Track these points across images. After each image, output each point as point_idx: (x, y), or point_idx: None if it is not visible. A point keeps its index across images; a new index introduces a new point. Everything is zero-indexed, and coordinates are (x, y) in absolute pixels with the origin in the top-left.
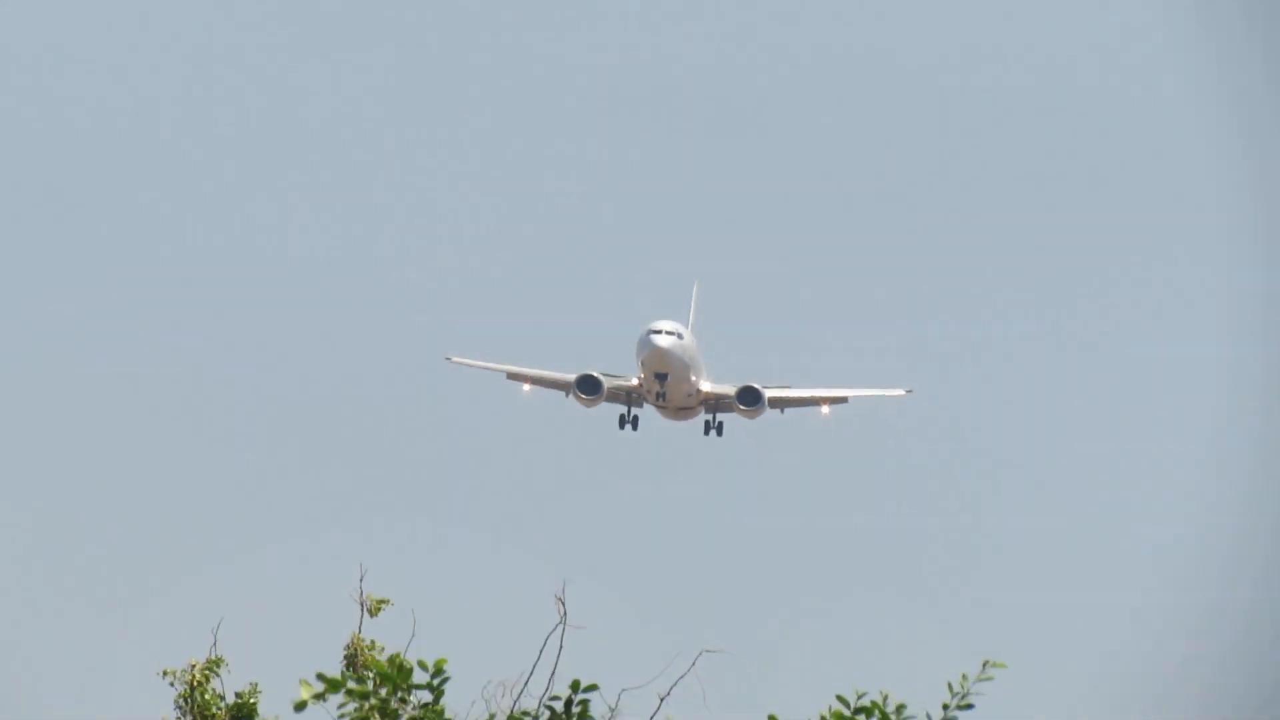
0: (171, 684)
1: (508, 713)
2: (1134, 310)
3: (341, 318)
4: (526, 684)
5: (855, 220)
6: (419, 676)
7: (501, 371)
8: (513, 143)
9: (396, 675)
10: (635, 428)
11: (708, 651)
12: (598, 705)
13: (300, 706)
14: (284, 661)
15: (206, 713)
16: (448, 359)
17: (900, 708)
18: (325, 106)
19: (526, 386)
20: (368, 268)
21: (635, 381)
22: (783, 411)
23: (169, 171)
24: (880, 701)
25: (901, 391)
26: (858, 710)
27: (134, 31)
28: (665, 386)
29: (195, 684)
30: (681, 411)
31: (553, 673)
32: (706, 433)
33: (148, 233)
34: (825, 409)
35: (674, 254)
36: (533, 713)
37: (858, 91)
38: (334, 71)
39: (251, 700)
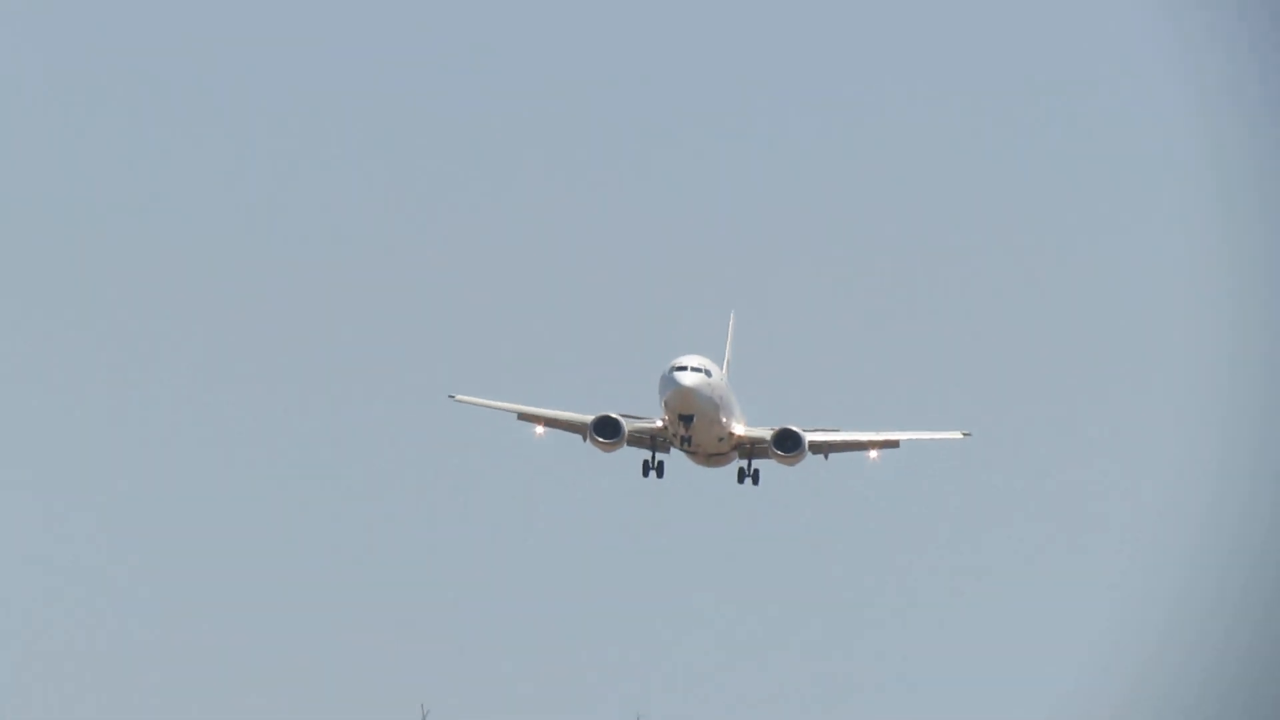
0: None
1: None
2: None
3: (337, 350)
4: None
5: (900, 256)
6: None
7: (512, 412)
8: (529, 170)
9: None
10: (661, 475)
11: None
12: None
13: None
14: None
15: None
16: (452, 397)
17: None
18: (333, 136)
19: (539, 429)
20: (368, 296)
21: (659, 424)
22: (826, 457)
23: (161, 214)
24: None
25: (959, 434)
26: None
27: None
28: (691, 429)
29: None
30: (713, 458)
31: None
32: (741, 481)
33: (150, 264)
34: (874, 454)
35: (708, 287)
36: None
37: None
38: (351, 100)
39: None
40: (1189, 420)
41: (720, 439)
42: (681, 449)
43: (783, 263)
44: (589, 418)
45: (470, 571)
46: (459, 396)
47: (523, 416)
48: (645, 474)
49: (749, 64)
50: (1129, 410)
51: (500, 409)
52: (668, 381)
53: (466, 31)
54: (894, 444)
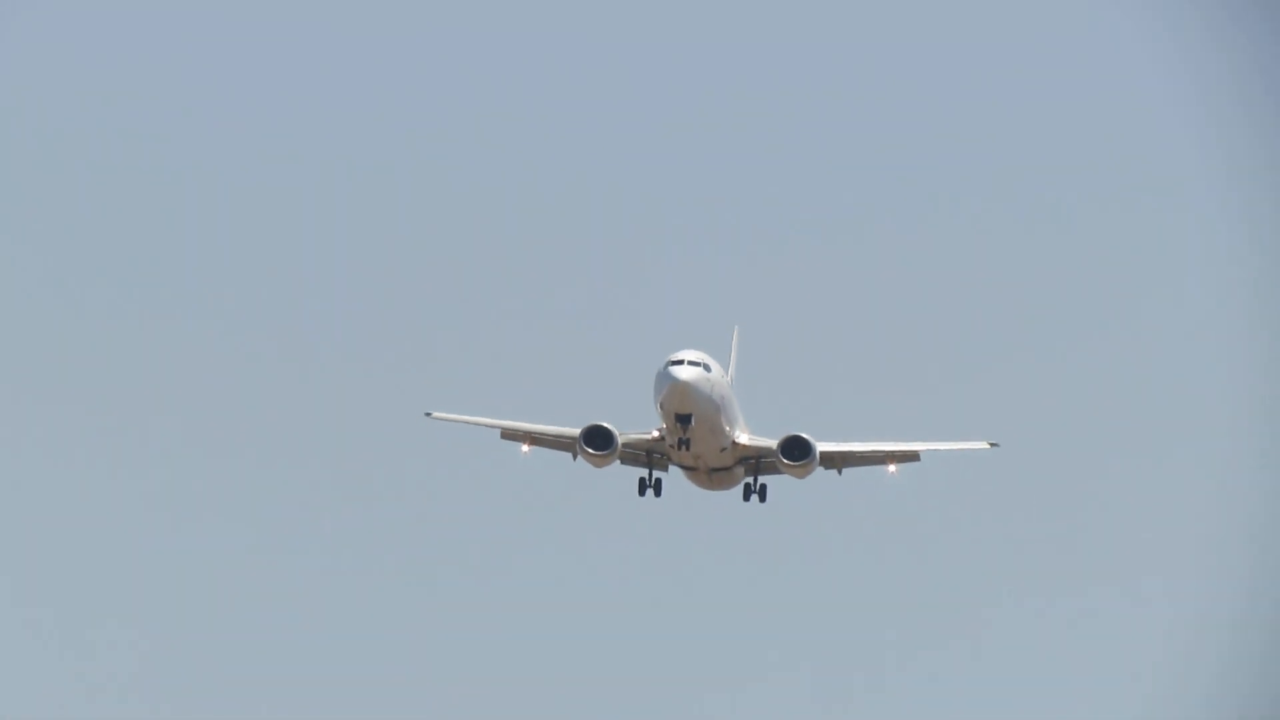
0: None
1: None
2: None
3: (308, 366)
4: None
5: (915, 260)
6: None
7: (495, 428)
8: (511, 172)
9: None
10: (659, 493)
11: None
12: None
13: None
14: None
15: None
16: (428, 415)
17: None
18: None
19: (525, 446)
20: (333, 305)
21: (655, 434)
22: (840, 472)
23: (135, 225)
24: None
25: (985, 445)
26: None
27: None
28: (690, 432)
29: None
30: (716, 476)
31: None
32: (747, 498)
33: (119, 280)
34: (892, 467)
35: (709, 296)
36: None
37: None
38: (325, 104)
39: None
40: (1234, 427)
41: (723, 448)
42: (681, 464)
43: (788, 268)
44: (577, 430)
45: (454, 605)
46: (436, 414)
47: (506, 434)
48: (642, 493)
49: (753, 63)
50: (1170, 416)
51: (482, 425)
52: (663, 378)
53: (449, 33)
54: (914, 456)
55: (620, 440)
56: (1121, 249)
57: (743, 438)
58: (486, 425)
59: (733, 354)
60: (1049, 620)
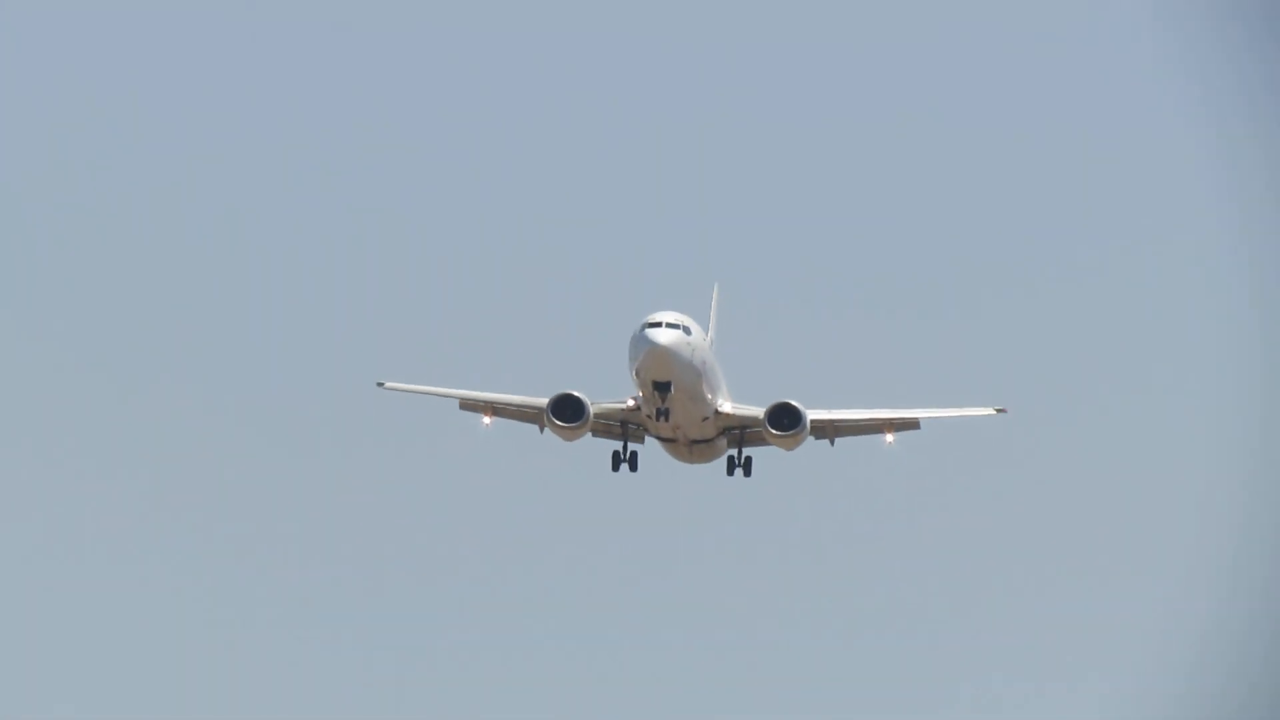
0: None
1: None
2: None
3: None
4: None
5: (912, 213)
6: None
7: (453, 399)
8: (472, 121)
9: None
10: (634, 468)
11: None
12: None
13: None
14: None
15: None
16: (380, 385)
17: None
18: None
19: (487, 418)
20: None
21: (630, 403)
22: (833, 442)
23: (93, 190)
24: None
25: (992, 411)
26: None
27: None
28: (669, 401)
29: None
30: (697, 449)
31: None
32: (730, 472)
33: (75, 249)
34: (889, 436)
35: (687, 253)
36: None
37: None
38: (277, 72)
39: None
40: (1242, 392)
41: (704, 417)
42: (659, 436)
43: (775, 222)
44: (545, 400)
45: (408, 592)
46: (388, 384)
47: (466, 405)
48: (616, 468)
49: (734, 19)
50: (1189, 379)
51: (438, 396)
52: (639, 342)
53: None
54: (913, 424)
55: (592, 410)
56: (1128, 207)
57: (726, 406)
58: (443, 395)
59: (713, 314)
60: (1059, 603)
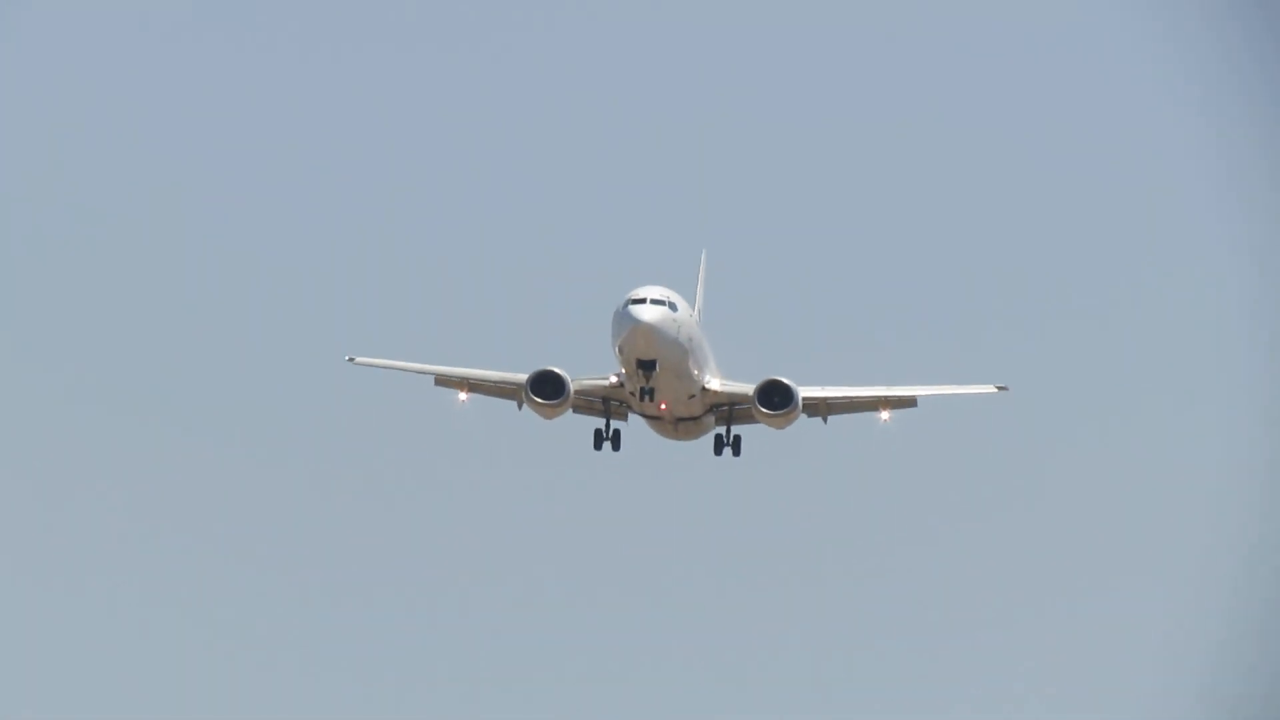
0: None
1: None
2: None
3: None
4: None
5: (906, 183)
6: None
7: (428, 374)
8: (445, 80)
9: None
10: (617, 447)
11: None
12: None
13: None
14: None
15: None
16: (350, 360)
17: None
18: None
19: (463, 394)
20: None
21: (613, 380)
22: (825, 420)
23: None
24: None
25: (992, 389)
26: None
27: None
28: (653, 380)
29: None
30: (683, 426)
31: None
32: (718, 451)
33: (36, 224)
34: (885, 415)
35: (673, 218)
36: None
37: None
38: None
39: None
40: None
41: (690, 395)
42: (643, 413)
43: (765, 192)
44: (524, 376)
45: (381, 574)
46: (359, 359)
47: (441, 381)
48: (598, 446)
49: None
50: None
51: (412, 371)
52: (622, 319)
53: None
54: (910, 402)
55: (573, 387)
56: (1129, 188)
57: (714, 384)
58: (417, 371)
59: (700, 283)
60: (1061, 593)
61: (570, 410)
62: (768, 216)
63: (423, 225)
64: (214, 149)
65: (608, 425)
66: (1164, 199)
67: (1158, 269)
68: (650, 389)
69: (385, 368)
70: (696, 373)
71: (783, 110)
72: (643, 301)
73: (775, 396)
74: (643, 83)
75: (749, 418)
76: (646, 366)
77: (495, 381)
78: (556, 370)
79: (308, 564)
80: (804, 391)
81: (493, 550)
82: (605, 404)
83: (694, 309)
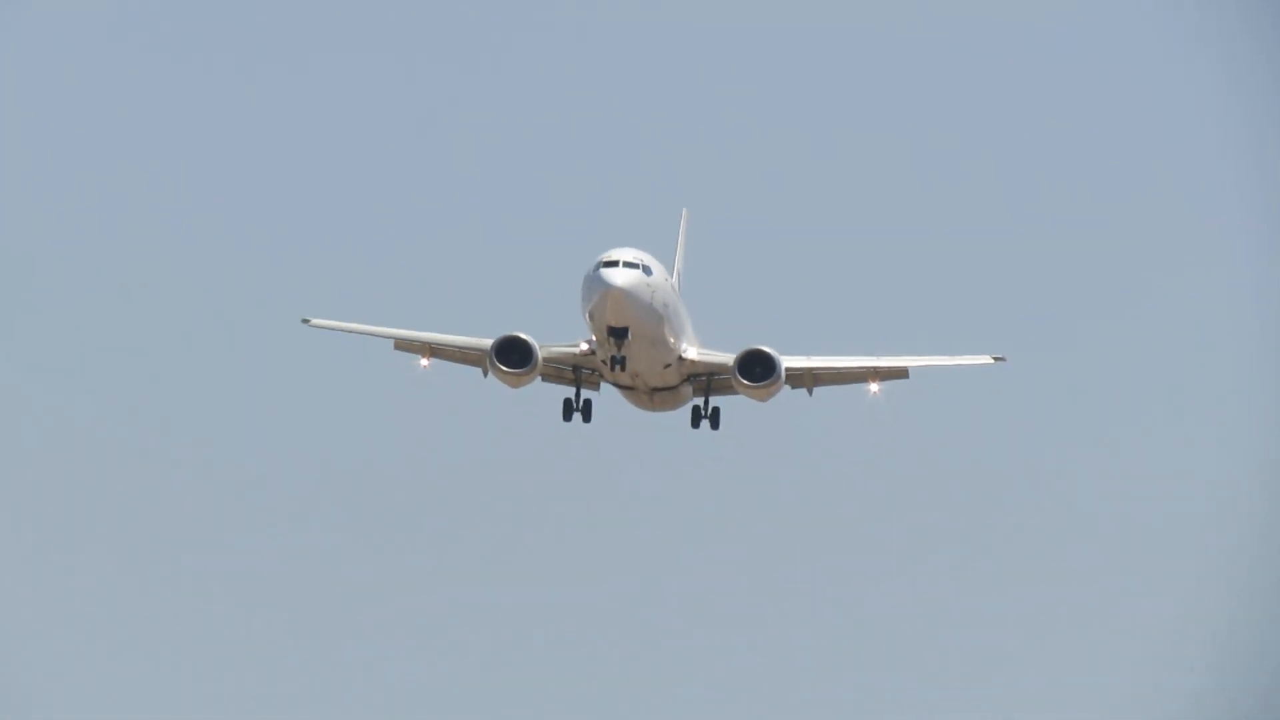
0: None
1: None
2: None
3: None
4: None
5: (893, 143)
6: None
7: (387, 338)
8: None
9: None
10: (588, 418)
11: None
12: None
13: None
14: None
15: None
16: (305, 322)
17: None
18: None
19: (424, 360)
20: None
21: (584, 347)
22: (811, 392)
23: None
24: None
25: (989, 359)
26: None
27: None
28: (626, 348)
29: None
30: (659, 396)
31: None
32: (695, 424)
33: None
34: (874, 386)
35: (651, 176)
36: None
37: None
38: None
39: None
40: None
41: (666, 365)
42: (616, 383)
43: (749, 146)
44: (489, 341)
45: (344, 547)
46: (314, 321)
47: (401, 345)
48: (568, 417)
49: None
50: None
51: (371, 335)
52: (593, 283)
53: None
54: (901, 373)
55: (541, 354)
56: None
57: (691, 352)
58: (376, 335)
59: (680, 244)
60: (1056, 575)
61: (539, 379)
62: (753, 181)
63: (388, 185)
64: (174, 110)
65: (578, 395)
66: (1163, 180)
67: (1160, 247)
68: (622, 357)
69: (342, 330)
70: (672, 341)
71: (772, 85)
72: (615, 265)
73: (756, 367)
74: (627, 56)
75: (729, 389)
76: (618, 334)
77: (459, 346)
78: (523, 336)
79: (256, 543)
80: (787, 361)
81: (453, 527)
82: (576, 372)
83: (672, 273)
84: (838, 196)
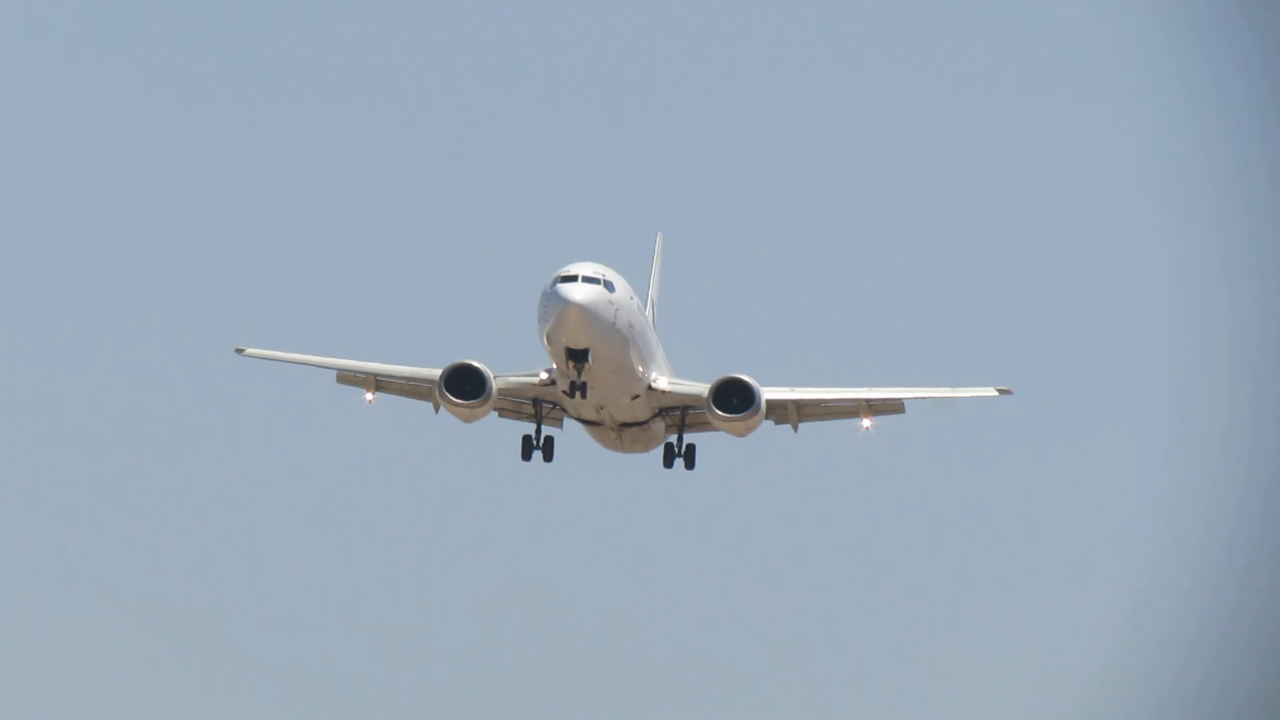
0: None
1: None
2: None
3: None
4: None
5: (887, 159)
6: None
7: (329, 369)
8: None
9: None
10: (549, 457)
11: None
12: None
13: None
14: None
15: None
16: (239, 352)
17: None
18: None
19: (369, 394)
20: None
21: (544, 376)
22: (795, 428)
23: None
24: None
25: (993, 391)
26: None
27: None
28: (586, 373)
29: None
30: (628, 433)
31: None
32: (668, 463)
33: None
34: (867, 421)
35: (624, 197)
36: None
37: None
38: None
39: None
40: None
41: (634, 396)
42: (580, 417)
43: (727, 165)
44: (438, 371)
45: (280, 597)
46: (249, 350)
47: (344, 377)
48: (527, 456)
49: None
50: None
51: (310, 365)
52: (550, 299)
53: None
54: (897, 406)
55: (495, 385)
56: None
57: (661, 382)
58: (317, 365)
59: (655, 271)
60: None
61: (496, 413)
62: (735, 205)
63: (333, 206)
64: (113, 124)
65: (538, 432)
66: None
67: (1152, 262)
68: (583, 383)
69: (280, 360)
70: (640, 368)
71: (751, 103)
72: (574, 279)
73: (734, 397)
74: (601, 65)
75: (705, 424)
76: (577, 357)
77: (405, 378)
78: (475, 364)
79: (179, 583)
80: (768, 393)
81: (402, 574)
82: (536, 406)
83: (646, 302)
84: (821, 218)
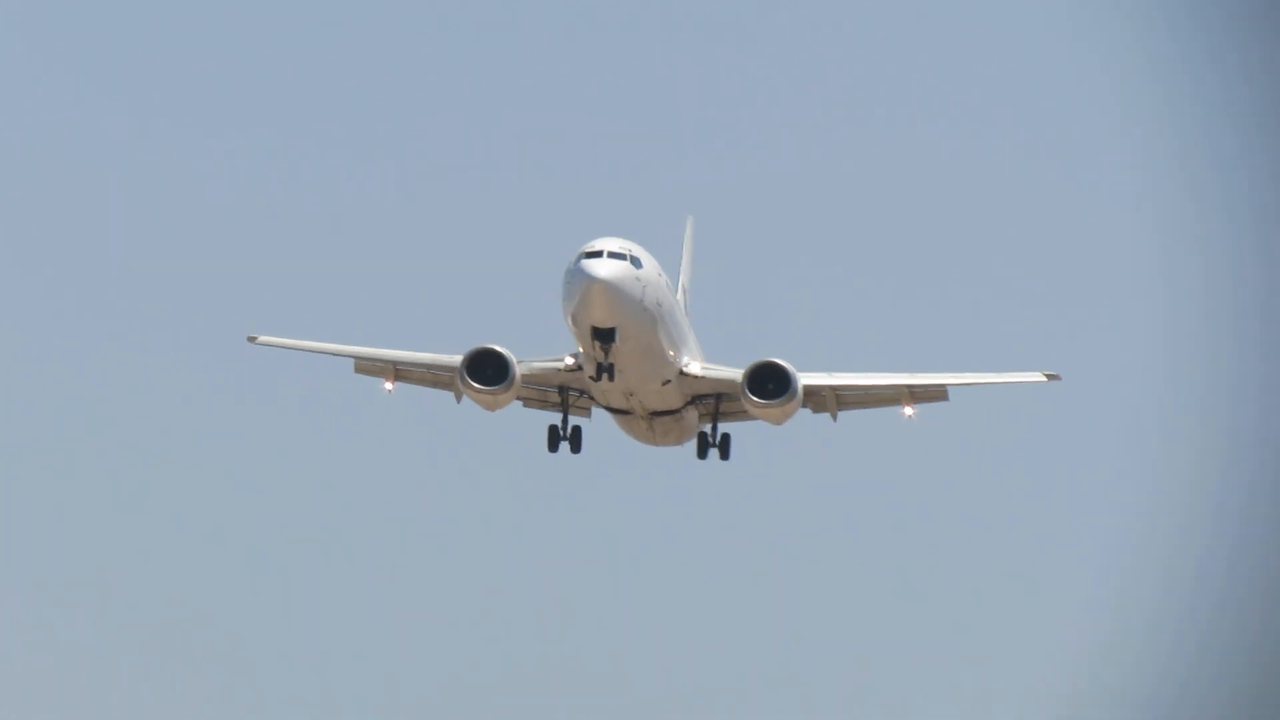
0: None
1: None
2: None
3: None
4: None
5: (921, 139)
6: None
7: (346, 357)
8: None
9: None
10: (576, 448)
11: None
12: None
13: None
14: None
15: None
16: (252, 340)
17: None
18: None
19: (389, 383)
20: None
21: (569, 361)
22: (834, 416)
23: None
24: None
25: (1042, 377)
26: None
27: None
28: (614, 355)
29: None
30: (659, 422)
31: None
32: (702, 453)
33: None
34: (908, 409)
35: (655, 179)
36: None
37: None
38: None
39: None
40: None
41: (664, 380)
42: (609, 405)
43: (760, 147)
44: (458, 357)
45: (297, 592)
46: (262, 338)
47: (363, 365)
48: (554, 447)
49: None
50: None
51: (328, 354)
52: (574, 276)
53: None
54: (940, 393)
55: (519, 370)
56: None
57: (693, 367)
58: (333, 353)
59: (686, 255)
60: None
61: (520, 402)
62: (764, 186)
63: (353, 191)
64: (118, 114)
65: (565, 421)
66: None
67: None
68: (610, 365)
69: (295, 349)
70: (670, 351)
71: (784, 85)
72: (598, 255)
73: (769, 383)
74: (625, 53)
75: (739, 411)
76: (604, 336)
77: (425, 365)
78: (498, 349)
79: (196, 577)
80: (805, 379)
81: (426, 570)
82: (561, 394)
83: (677, 287)
84: (859, 202)
